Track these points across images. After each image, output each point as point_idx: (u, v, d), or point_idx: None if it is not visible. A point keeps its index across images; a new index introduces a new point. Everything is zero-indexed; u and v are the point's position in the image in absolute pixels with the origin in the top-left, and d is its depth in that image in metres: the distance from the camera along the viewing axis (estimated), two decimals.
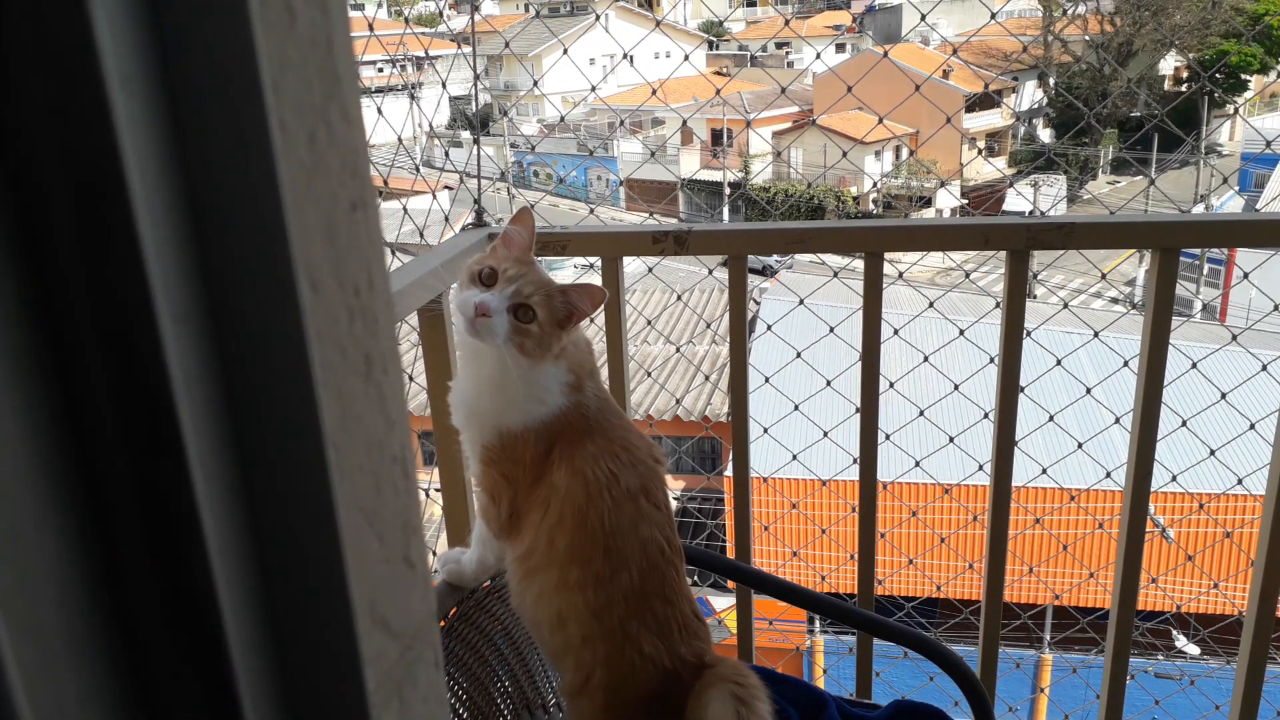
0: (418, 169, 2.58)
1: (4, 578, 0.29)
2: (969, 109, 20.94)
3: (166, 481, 0.33)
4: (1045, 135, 25.26)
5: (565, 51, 2.45)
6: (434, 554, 1.65)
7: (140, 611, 0.34)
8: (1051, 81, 23.74)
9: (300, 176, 0.36)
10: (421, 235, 2.31)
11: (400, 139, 2.30)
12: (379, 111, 2.21)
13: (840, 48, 25.58)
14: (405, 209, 2.25)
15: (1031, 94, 25.63)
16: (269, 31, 0.33)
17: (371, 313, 0.42)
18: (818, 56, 2.97)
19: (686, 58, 2.55)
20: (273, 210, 0.34)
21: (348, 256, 0.40)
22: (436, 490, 2.00)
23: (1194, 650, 6.54)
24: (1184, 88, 23.18)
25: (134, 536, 0.34)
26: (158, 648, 0.35)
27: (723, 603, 5.72)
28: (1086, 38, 23.33)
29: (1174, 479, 2.59)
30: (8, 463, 0.30)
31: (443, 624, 1.36)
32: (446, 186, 2.70)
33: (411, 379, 2.00)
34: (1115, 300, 14.60)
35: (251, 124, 0.33)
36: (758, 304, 7.76)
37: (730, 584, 2.04)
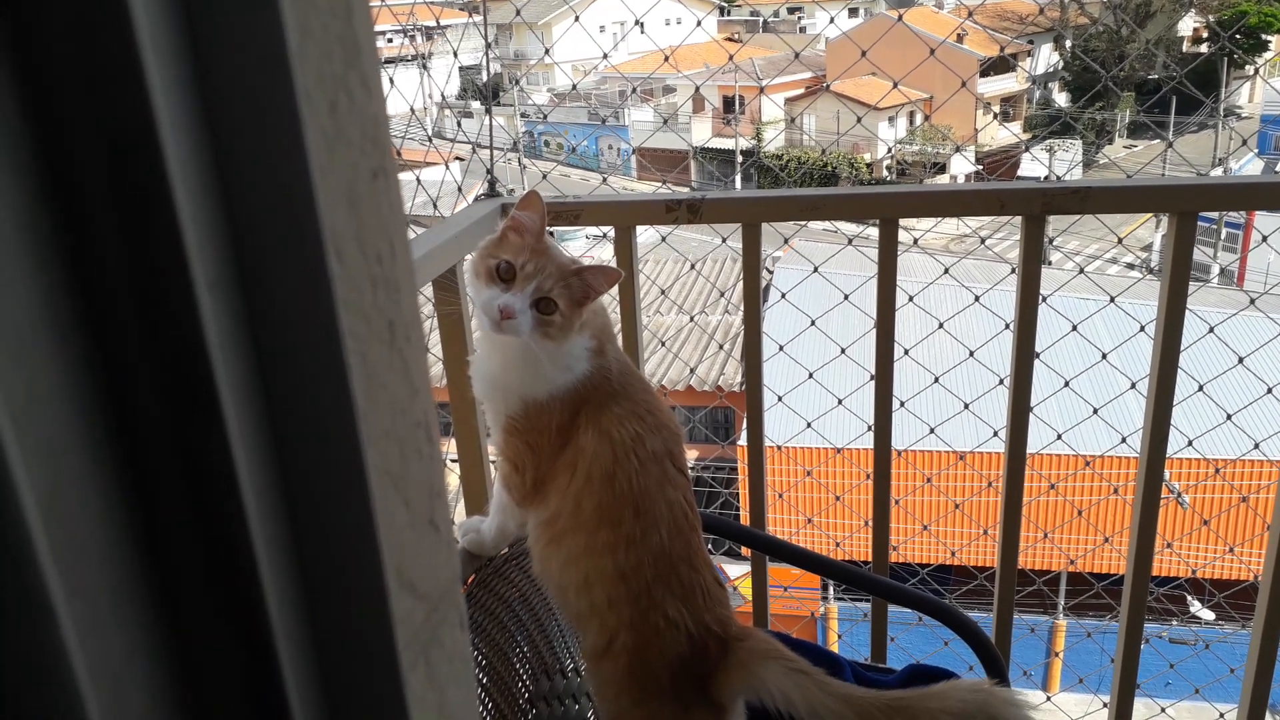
0: (430, 140, 2.58)
1: (54, 535, 0.30)
2: (984, 73, 20.69)
3: (204, 444, 0.34)
4: (1061, 99, 24.95)
5: (576, 19, 2.44)
6: (452, 523, 1.67)
7: (181, 570, 0.35)
8: (1068, 44, 23.41)
9: (322, 145, 0.36)
10: (435, 206, 2.32)
11: (412, 110, 2.30)
12: (390, 82, 2.21)
13: (853, 12, 25.26)
14: (419, 180, 2.25)
15: (1047, 57, 25.28)
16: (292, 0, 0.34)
17: (394, 281, 0.42)
18: (831, 21, 2.94)
19: (699, 24, 2.53)
20: (300, 179, 0.34)
21: (370, 225, 0.40)
22: (453, 460, 2.02)
23: (1209, 615, 6.55)
24: (1203, 49, 22.83)
25: (175, 497, 0.34)
26: (197, 605, 0.36)
27: (737, 570, 5.75)
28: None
29: (1190, 444, 2.59)
30: (53, 425, 0.31)
31: (462, 590, 1.37)
32: (458, 157, 2.70)
33: (426, 349, 2.01)
34: (1131, 266, 14.47)
35: (277, 92, 0.34)
36: (771, 272, 7.72)
37: (745, 551, 2.06)
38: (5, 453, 0.28)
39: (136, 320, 0.32)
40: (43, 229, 0.30)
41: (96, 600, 0.32)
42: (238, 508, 0.35)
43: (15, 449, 0.29)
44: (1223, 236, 13.00)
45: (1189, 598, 6.68)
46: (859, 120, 3.95)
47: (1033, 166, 16.84)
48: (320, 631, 0.40)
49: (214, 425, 0.34)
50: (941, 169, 20.23)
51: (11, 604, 0.30)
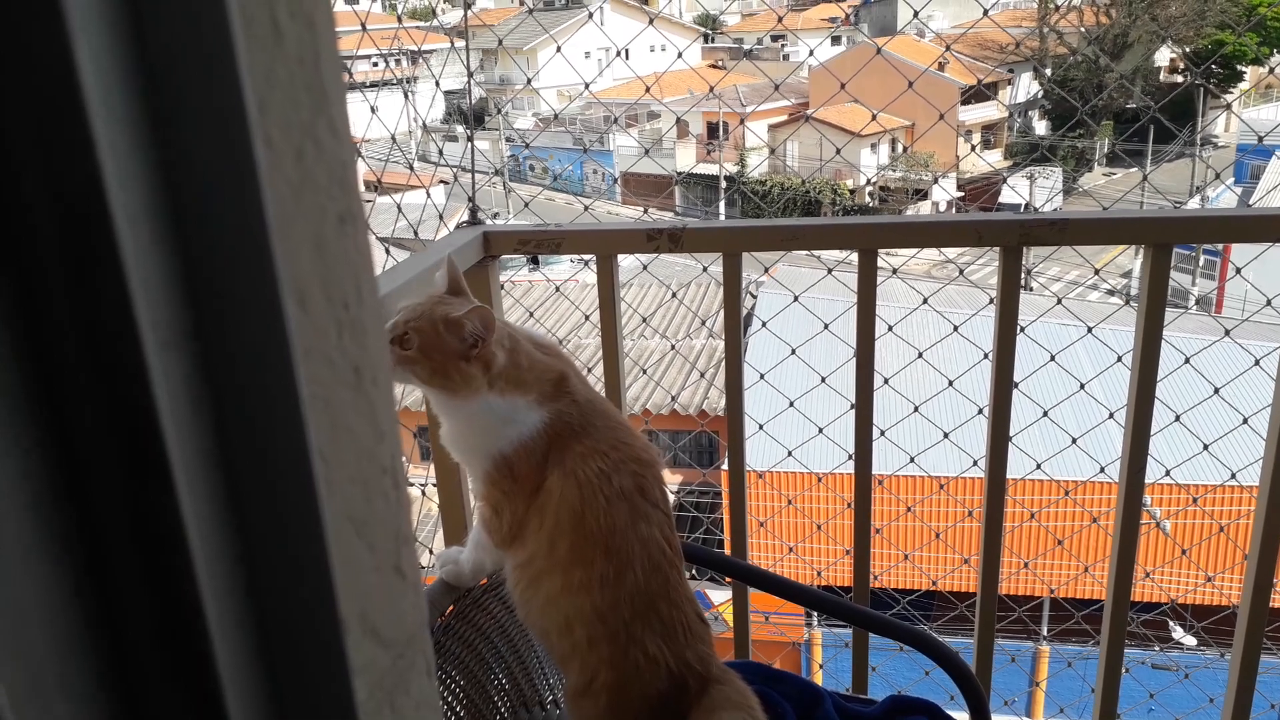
0: (411, 165, 2.58)
1: None
2: (964, 102, 20.94)
3: (154, 503, 0.33)
4: (1041, 128, 25.28)
5: (559, 48, 2.45)
6: (430, 551, 1.65)
7: (128, 631, 0.34)
8: (1047, 74, 23.74)
9: (288, 193, 0.36)
10: (416, 232, 2.32)
11: (394, 135, 2.30)
12: (372, 109, 2.21)
13: (835, 40, 25.57)
14: (399, 205, 2.25)
15: (1027, 86, 25.62)
16: (255, 49, 0.33)
17: (360, 325, 0.42)
18: (811, 53, 2.96)
19: (680, 55, 2.55)
20: (258, 229, 0.34)
21: (336, 270, 0.40)
22: (433, 485, 2.01)
23: (1190, 641, 6.56)
24: (1180, 79, 23.19)
25: (122, 557, 0.34)
26: (146, 666, 0.35)
27: (720, 596, 5.73)
28: (1082, 30, 23.32)
29: (1168, 473, 2.60)
30: None
31: (440, 621, 1.37)
32: (442, 182, 2.70)
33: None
34: (1111, 292, 14.59)
35: (236, 143, 0.33)
36: (755, 297, 7.75)
37: (727, 579, 2.05)
38: None
39: (85, 381, 0.32)
40: None
41: (37, 664, 0.31)
42: (187, 565, 0.34)
43: None
44: (1200, 264, 13.15)
45: (1170, 624, 6.69)
46: (838, 151, 3.99)
47: (1013, 194, 17.02)
48: (277, 684, 0.39)
49: (163, 484, 0.33)
50: (924, 196, 20.41)
51: None
